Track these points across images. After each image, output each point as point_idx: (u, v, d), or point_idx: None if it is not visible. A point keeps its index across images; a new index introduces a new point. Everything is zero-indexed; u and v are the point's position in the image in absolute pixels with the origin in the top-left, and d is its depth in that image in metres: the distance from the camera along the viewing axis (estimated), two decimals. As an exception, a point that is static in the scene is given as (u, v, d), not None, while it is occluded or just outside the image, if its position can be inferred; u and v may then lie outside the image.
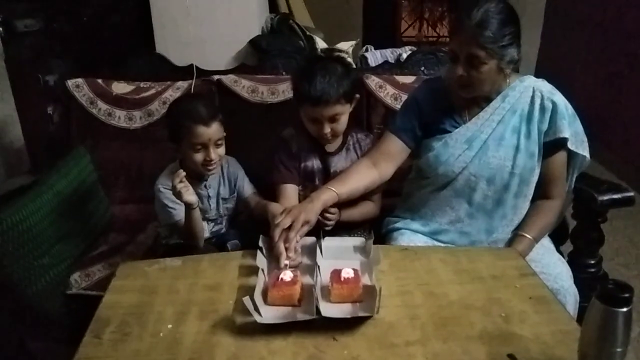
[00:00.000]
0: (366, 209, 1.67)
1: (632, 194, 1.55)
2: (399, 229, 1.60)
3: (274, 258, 1.28)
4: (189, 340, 1.04)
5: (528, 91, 1.46)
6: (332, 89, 1.49)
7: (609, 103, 3.37)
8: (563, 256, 1.62)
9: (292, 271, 1.18)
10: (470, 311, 1.12)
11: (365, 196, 1.61)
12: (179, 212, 1.53)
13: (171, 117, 1.59)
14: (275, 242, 1.28)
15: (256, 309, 1.08)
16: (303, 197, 1.62)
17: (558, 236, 1.67)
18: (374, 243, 1.33)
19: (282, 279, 1.15)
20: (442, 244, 1.55)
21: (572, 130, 1.43)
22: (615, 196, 1.54)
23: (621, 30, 3.34)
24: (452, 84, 1.44)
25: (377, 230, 1.70)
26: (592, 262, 1.65)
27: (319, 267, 1.21)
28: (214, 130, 1.52)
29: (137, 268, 1.29)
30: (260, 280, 1.19)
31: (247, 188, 1.67)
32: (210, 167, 1.55)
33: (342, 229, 1.67)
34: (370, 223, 1.71)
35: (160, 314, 1.12)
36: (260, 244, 1.30)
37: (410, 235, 1.56)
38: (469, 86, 1.41)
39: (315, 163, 1.64)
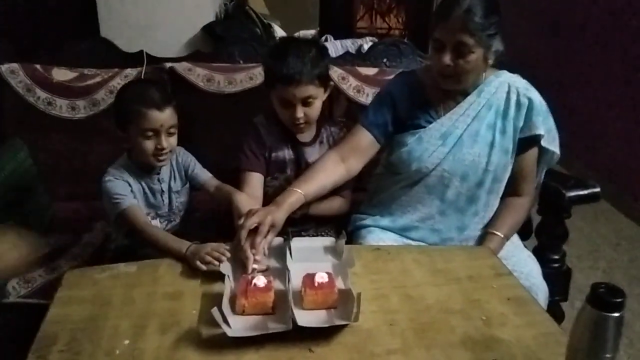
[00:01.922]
0: (336, 205, 1.60)
1: (598, 189, 1.57)
2: (367, 226, 1.54)
3: (239, 262, 1.19)
4: (149, 357, 0.94)
5: (503, 87, 1.43)
6: (305, 68, 1.41)
7: (568, 98, 3.45)
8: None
9: (264, 276, 1.10)
10: (450, 315, 1.07)
11: (334, 191, 1.54)
12: (126, 200, 1.40)
13: (120, 101, 1.45)
14: (241, 246, 1.19)
15: (225, 320, 0.99)
16: (274, 188, 1.53)
17: (522, 231, 1.66)
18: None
19: (255, 284, 1.06)
20: (412, 241, 1.50)
21: (546, 127, 1.41)
22: (582, 192, 1.54)
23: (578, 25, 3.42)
24: (436, 75, 1.39)
25: (344, 228, 1.63)
26: (557, 257, 1.65)
27: (289, 271, 1.13)
28: (167, 116, 1.40)
29: (86, 276, 1.16)
30: (227, 288, 1.09)
31: (201, 174, 1.55)
32: (161, 158, 1.43)
33: (309, 224, 1.60)
34: (338, 219, 1.64)
35: (115, 328, 1.00)
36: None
37: (379, 233, 1.51)
38: (454, 76, 1.36)
39: (287, 153, 1.56)
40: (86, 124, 1.89)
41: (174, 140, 1.44)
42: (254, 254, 1.18)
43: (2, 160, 1.71)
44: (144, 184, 1.48)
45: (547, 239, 1.65)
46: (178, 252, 1.26)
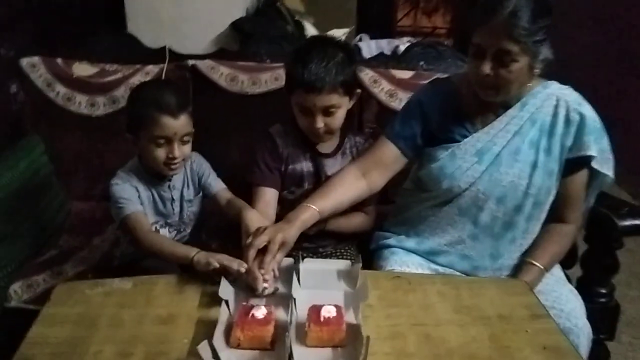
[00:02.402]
0: (356, 221, 1.47)
1: (656, 219, 1.37)
2: (390, 246, 1.41)
3: (243, 286, 1.08)
4: (129, 394, 0.84)
5: (551, 100, 1.26)
6: (329, 75, 1.29)
7: (612, 109, 3.18)
8: (570, 282, 1.45)
9: (265, 306, 0.99)
10: (474, 364, 0.93)
11: (356, 206, 1.42)
12: (130, 206, 1.31)
13: (133, 103, 1.36)
14: (249, 266, 1.08)
15: (215, 355, 0.88)
16: (291, 202, 1.42)
17: (566, 259, 1.48)
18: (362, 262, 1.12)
19: (253, 315, 0.95)
20: (439, 267, 1.36)
21: (599, 148, 1.24)
22: (638, 222, 1.35)
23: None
24: (473, 84, 1.24)
25: (366, 246, 1.51)
26: (604, 291, 1.47)
27: (294, 300, 1.01)
28: (181, 124, 1.30)
29: (76, 291, 1.08)
30: (223, 316, 0.99)
31: (214, 184, 1.45)
32: (173, 167, 1.33)
33: (327, 240, 1.48)
34: (360, 236, 1.52)
35: (96, 355, 0.92)
36: None
37: (403, 255, 1.37)
38: (494, 87, 1.21)
39: (305, 165, 1.44)
40: (105, 121, 1.82)
41: (187, 149, 1.34)
42: (262, 274, 1.07)
43: (17, 156, 1.67)
44: (154, 190, 1.40)
45: (593, 270, 1.47)
46: (185, 257, 1.17)
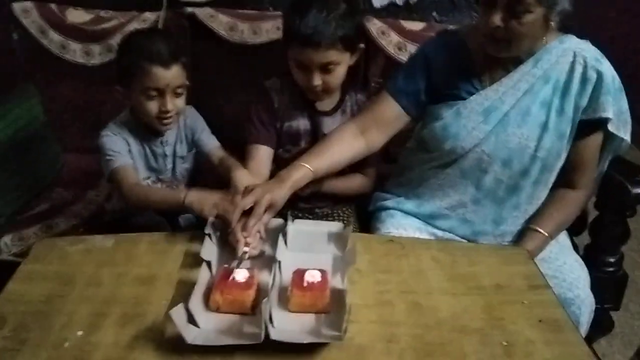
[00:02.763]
0: (355, 183, 1.41)
1: (674, 187, 1.28)
2: (389, 208, 1.35)
3: (227, 246, 1.04)
4: (99, 356, 0.81)
5: (567, 55, 1.16)
6: (327, 28, 1.19)
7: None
8: (577, 249, 1.38)
9: (249, 269, 0.94)
10: (464, 336, 0.88)
11: (356, 167, 1.35)
12: (119, 158, 1.28)
13: (123, 53, 1.30)
14: (232, 228, 1.03)
15: (191, 319, 0.84)
16: (286, 161, 1.35)
17: (574, 226, 1.41)
18: (358, 224, 1.06)
19: (234, 279, 0.91)
20: (438, 231, 1.30)
21: (616, 109, 1.14)
22: (654, 190, 1.27)
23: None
24: (482, 37, 1.14)
25: (366, 207, 1.45)
26: (612, 260, 1.40)
27: (279, 263, 0.97)
28: (173, 74, 1.23)
29: (56, 247, 1.05)
30: (203, 277, 0.95)
31: (207, 141, 1.39)
32: (166, 122, 1.28)
33: (324, 201, 1.42)
34: (359, 197, 1.46)
35: (71, 315, 0.88)
36: (208, 229, 1.04)
37: (402, 218, 1.31)
38: (505, 41, 1.11)
39: (302, 123, 1.37)
40: (101, 71, 1.75)
41: (181, 102, 1.28)
42: (245, 237, 1.02)
43: (11, 104, 1.63)
44: (146, 145, 1.35)
45: (603, 238, 1.39)
46: (176, 200, 1.14)
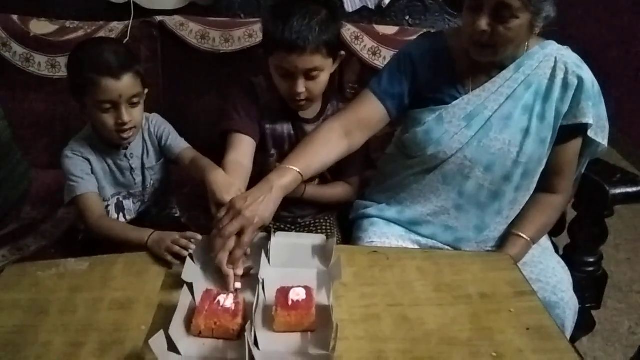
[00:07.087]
0: (338, 192, 1.39)
1: (649, 187, 1.30)
2: (370, 216, 1.33)
3: (209, 268, 1.00)
4: (78, 389, 0.77)
5: (549, 61, 1.16)
6: (312, 33, 1.18)
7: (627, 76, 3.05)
8: (557, 250, 1.39)
9: (234, 294, 0.91)
10: (453, 347, 0.87)
11: (341, 176, 1.35)
12: (81, 185, 1.23)
13: (72, 66, 1.24)
14: (217, 259, 0.97)
15: (172, 346, 0.81)
16: (267, 164, 1.33)
17: (554, 227, 1.42)
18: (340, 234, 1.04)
19: (219, 303, 0.88)
20: (420, 238, 1.29)
21: (596, 115, 1.15)
22: (630, 190, 1.28)
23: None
24: (467, 42, 1.14)
25: (345, 215, 1.43)
26: (592, 260, 1.41)
27: (263, 282, 0.94)
28: (125, 85, 1.18)
29: (27, 273, 1.00)
30: (184, 300, 0.91)
31: (175, 144, 1.34)
32: (125, 135, 1.23)
33: (306, 209, 1.40)
34: (341, 206, 1.44)
35: (45, 346, 0.84)
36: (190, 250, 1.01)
37: (384, 226, 1.30)
38: (490, 46, 1.10)
39: (286, 127, 1.34)
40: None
41: (137, 112, 1.23)
42: (233, 269, 0.97)
43: (-27, 121, 1.56)
44: (109, 160, 1.30)
45: (581, 238, 1.41)
46: (139, 241, 1.09)
